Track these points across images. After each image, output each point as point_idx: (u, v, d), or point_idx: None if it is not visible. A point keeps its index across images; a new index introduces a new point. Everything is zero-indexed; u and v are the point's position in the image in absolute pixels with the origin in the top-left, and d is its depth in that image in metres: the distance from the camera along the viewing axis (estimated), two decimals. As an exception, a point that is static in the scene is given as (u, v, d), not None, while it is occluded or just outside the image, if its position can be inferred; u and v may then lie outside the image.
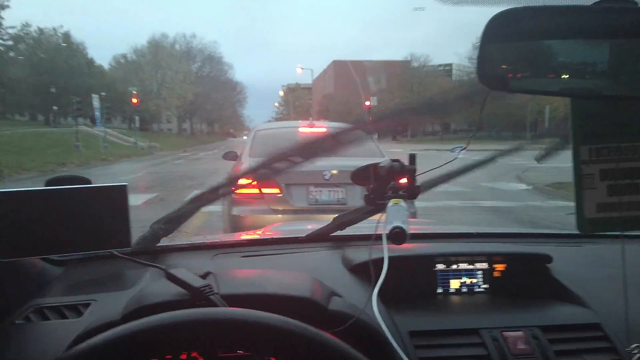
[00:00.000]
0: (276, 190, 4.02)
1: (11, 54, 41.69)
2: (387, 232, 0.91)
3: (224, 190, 1.30)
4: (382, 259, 0.93)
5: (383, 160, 1.02)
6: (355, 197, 3.99)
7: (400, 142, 43.77)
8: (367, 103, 34.93)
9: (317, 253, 1.40)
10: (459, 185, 10.04)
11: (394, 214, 0.93)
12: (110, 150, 26.48)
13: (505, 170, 14.13)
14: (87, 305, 1.07)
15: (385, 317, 0.95)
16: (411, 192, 0.98)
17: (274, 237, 1.57)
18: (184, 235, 6.11)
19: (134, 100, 32.65)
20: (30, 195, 0.95)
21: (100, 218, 1.00)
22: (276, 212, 4.00)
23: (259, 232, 1.91)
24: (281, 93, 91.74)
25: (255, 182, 3.66)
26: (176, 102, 56.77)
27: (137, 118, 40.74)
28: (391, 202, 0.95)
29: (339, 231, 1.43)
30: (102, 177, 12.44)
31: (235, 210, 4.09)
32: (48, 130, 32.68)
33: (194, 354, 0.96)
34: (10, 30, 40.26)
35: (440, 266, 1.25)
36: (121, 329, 0.62)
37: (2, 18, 37.92)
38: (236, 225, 4.06)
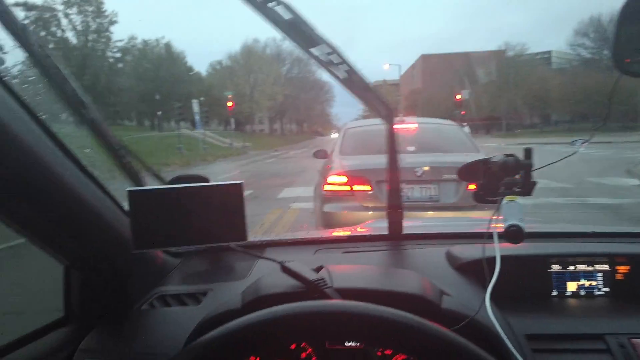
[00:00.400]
0: (367, 188, 3.94)
1: (120, 65, 45.65)
2: (503, 230, 0.89)
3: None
4: (493, 258, 0.90)
5: (495, 155, 0.98)
6: (448, 194, 3.90)
7: (495, 137, 41.43)
8: (458, 97, 33.59)
9: (419, 250, 1.37)
10: (562, 181, 9.29)
11: (509, 211, 0.91)
12: (209, 151, 28.27)
13: (614, 164, 12.83)
14: (204, 293, 1.15)
15: (500, 319, 0.92)
16: (527, 188, 0.94)
17: (373, 233, 1.57)
18: (280, 231, 6.34)
19: (229, 104, 34.53)
20: (160, 193, 1.03)
21: (219, 213, 1.06)
22: (367, 209, 3.91)
23: (358, 228, 1.94)
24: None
25: (349, 180, 3.92)
26: (267, 104, 59.04)
27: (232, 120, 43.09)
28: (506, 199, 0.93)
29: (438, 228, 1.43)
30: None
31: (327, 207, 4.08)
32: (153, 134, 35.68)
33: (303, 344, 1.00)
34: (118, 44, 44.28)
35: (555, 267, 1.18)
36: (247, 318, 0.66)
37: (111, 32, 41.87)
38: (328, 222, 4.04)
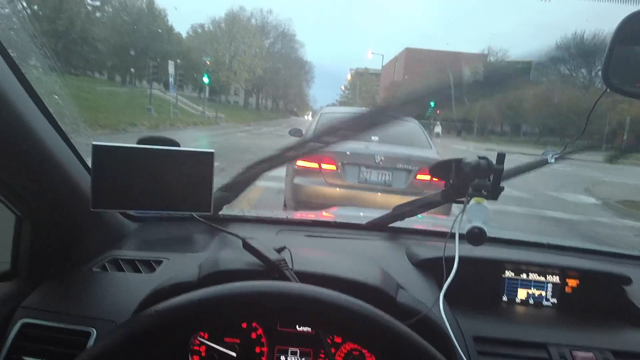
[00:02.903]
0: (333, 167, 4.62)
1: (97, 14, 43.50)
2: (465, 230, 0.90)
3: (284, 157, 1.32)
4: (450, 258, 0.91)
5: (468, 156, 0.98)
6: (400, 180, 4.61)
7: (466, 140, 42.29)
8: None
9: (380, 242, 1.38)
10: (521, 190, 9.59)
11: (475, 213, 0.92)
12: (179, 117, 27.63)
13: (575, 181, 13.33)
14: (159, 262, 1.11)
15: (450, 319, 0.94)
16: (495, 192, 0.95)
17: (337, 220, 1.58)
18: (243, 208, 6.34)
19: (206, 77, 33.17)
20: (128, 151, 0.98)
21: (186, 181, 1.03)
22: (331, 185, 4.60)
23: (323, 214, 1.93)
24: (348, 77, 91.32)
25: (318, 161, 4.62)
26: (245, 76, 58.10)
27: (207, 88, 42.11)
28: (473, 201, 0.94)
29: (400, 223, 1.43)
30: (169, 141, 12.88)
31: (297, 180, 4.71)
32: (123, 90, 34.50)
33: (254, 324, 1.00)
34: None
35: (509, 273, 1.21)
36: (203, 292, 0.65)
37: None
38: (296, 193, 4.69)
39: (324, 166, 4.64)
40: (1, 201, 0.95)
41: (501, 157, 0.96)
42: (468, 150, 25.68)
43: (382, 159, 4.59)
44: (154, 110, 25.45)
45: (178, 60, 36.35)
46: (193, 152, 1.03)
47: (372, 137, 4.88)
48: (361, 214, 1.83)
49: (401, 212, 1.37)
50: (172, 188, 1.02)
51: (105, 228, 1.20)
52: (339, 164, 4.62)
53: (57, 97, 1.10)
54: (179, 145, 1.05)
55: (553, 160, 1.15)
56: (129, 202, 1.02)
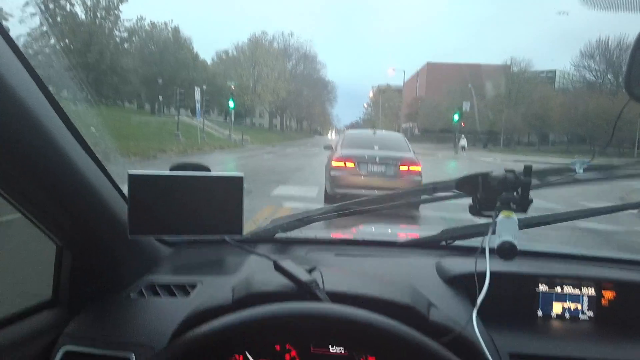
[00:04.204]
0: (352, 164, 7.84)
1: (125, 45, 44.88)
2: (496, 245, 0.89)
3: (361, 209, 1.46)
4: (482, 273, 0.90)
5: (495, 170, 0.99)
6: (389, 171, 7.78)
7: (492, 151, 41.59)
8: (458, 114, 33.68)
9: (410, 259, 1.37)
10: (553, 201, 9.33)
11: (504, 227, 0.91)
12: (206, 141, 28.25)
13: (607, 190, 12.87)
14: (193, 286, 1.14)
15: (485, 336, 0.92)
16: (523, 205, 0.94)
17: (366, 238, 1.59)
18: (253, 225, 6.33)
19: (231, 101, 33.76)
20: (162, 179, 1.01)
21: (217, 205, 1.05)
22: (351, 174, 7.79)
23: (352, 231, 1.95)
24: (370, 94, 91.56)
25: (344, 161, 7.87)
26: (269, 98, 58.95)
27: (232, 112, 42.96)
28: (502, 215, 0.93)
29: (429, 238, 1.44)
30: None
31: (332, 172, 7.91)
32: (152, 118, 35.49)
33: (287, 346, 0.99)
34: (126, 23, 43.56)
35: (543, 287, 1.18)
36: (238, 316, 0.66)
37: (120, 11, 41.16)
38: (332, 180, 7.85)
39: (347, 164, 7.87)
40: (42, 231, 0.97)
41: (528, 170, 0.95)
42: (495, 162, 25.22)
43: (380, 158, 7.86)
44: (182, 135, 26.04)
45: (204, 87, 37.17)
46: (223, 177, 1.05)
47: (375, 147, 8.36)
48: (389, 230, 1.82)
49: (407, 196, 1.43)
50: (204, 212, 1.04)
51: (141, 254, 1.23)
52: (356, 162, 7.84)
53: (93, 129, 1.14)
54: (209, 170, 1.07)
55: (582, 171, 1.13)
56: (164, 227, 1.04)
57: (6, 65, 0.73)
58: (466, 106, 35.87)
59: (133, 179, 0.98)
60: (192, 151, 22.15)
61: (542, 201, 9.27)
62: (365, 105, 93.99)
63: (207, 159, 18.83)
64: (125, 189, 1.02)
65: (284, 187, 10.19)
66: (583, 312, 1.17)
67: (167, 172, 1.03)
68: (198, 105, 30.19)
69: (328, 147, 10.08)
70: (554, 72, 66.44)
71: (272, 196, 8.89)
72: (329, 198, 8.01)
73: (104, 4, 39.55)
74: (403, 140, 9.27)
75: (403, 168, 7.81)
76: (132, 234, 1.00)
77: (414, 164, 7.88)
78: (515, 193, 0.95)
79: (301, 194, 9.53)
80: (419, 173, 7.83)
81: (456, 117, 33.20)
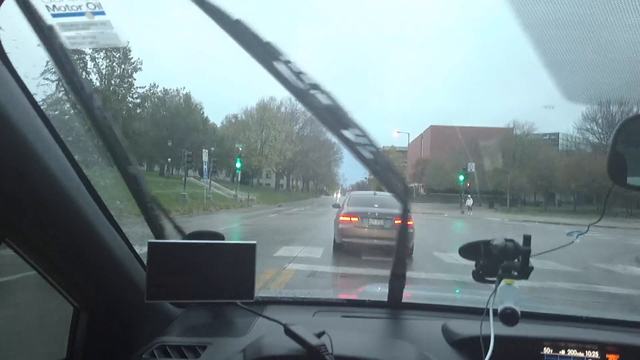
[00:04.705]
0: (356, 219, 9.56)
1: (138, 110, 46.30)
2: (499, 311, 0.94)
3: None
4: (487, 337, 0.94)
5: (496, 239, 1.04)
6: (386, 224, 9.40)
7: (498, 211, 41.33)
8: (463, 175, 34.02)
9: (415, 321, 1.40)
10: (568, 264, 9.08)
11: (506, 294, 0.97)
12: (212, 201, 28.32)
13: (621, 251, 12.61)
14: (203, 347, 1.16)
15: None
16: (524, 273, 0.99)
17: (372, 299, 1.62)
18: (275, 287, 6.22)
19: (238, 163, 34.38)
20: (179, 247, 1.05)
21: (230, 270, 1.09)
22: (355, 227, 9.51)
23: (358, 290, 2.02)
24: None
25: (350, 216, 9.58)
26: (276, 160, 59.98)
27: (239, 173, 43.53)
28: (504, 282, 0.98)
29: (434, 300, 1.48)
30: (200, 227, 13.04)
31: (340, 225, 9.71)
32: (161, 179, 35.96)
33: None
34: (139, 90, 45.06)
35: (547, 350, 1.21)
36: None
37: (134, 79, 42.82)
38: (340, 231, 9.65)
39: (352, 219, 9.64)
40: (60, 293, 1.01)
41: (527, 239, 1.00)
42: (503, 222, 24.99)
43: (379, 214, 9.57)
44: (189, 196, 26.21)
45: (212, 149, 37.95)
46: (237, 245, 1.11)
47: (375, 205, 9.96)
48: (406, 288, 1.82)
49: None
50: (218, 278, 1.09)
51: (154, 316, 1.27)
52: (359, 217, 9.60)
53: (119, 202, 1.22)
54: (223, 238, 1.13)
55: (578, 240, 1.19)
56: (180, 292, 1.08)
57: (33, 128, 0.77)
58: (471, 167, 36.10)
59: (152, 247, 1.03)
60: (197, 211, 22.21)
61: (555, 263, 9.11)
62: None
63: (212, 219, 18.79)
64: (138, 250, 1.08)
65: (287, 248, 10.05)
66: None
67: (184, 241, 1.08)
68: (205, 167, 30.71)
69: (336, 206, 12.33)
70: (557, 134, 67.57)
71: (275, 257, 8.79)
72: (337, 246, 9.93)
73: (118, 72, 41.26)
74: (394, 199, 11.08)
75: (397, 222, 8.26)
76: (149, 299, 1.06)
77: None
78: (516, 260, 1.00)
79: (305, 254, 9.45)
80: (411, 227, 8.45)
81: (461, 177, 33.49)
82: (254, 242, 1.10)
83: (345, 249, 9.51)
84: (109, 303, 1.08)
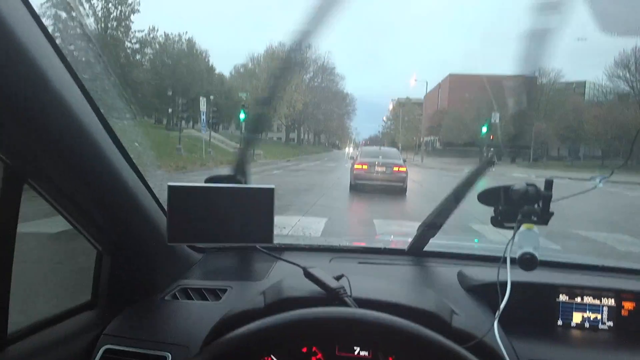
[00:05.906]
0: (365, 166, 13.45)
1: (137, 57, 43.57)
2: (517, 256, 0.93)
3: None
4: (504, 282, 0.94)
5: (517, 183, 1.02)
6: (388, 170, 13.38)
7: (520, 166, 38.83)
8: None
9: (433, 268, 1.44)
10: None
11: (525, 239, 0.94)
12: (212, 156, 26.33)
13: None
14: (224, 290, 1.22)
15: (506, 343, 0.97)
16: (544, 218, 0.97)
17: (387, 247, 1.65)
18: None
19: (242, 113, 32.10)
20: (198, 190, 1.03)
21: (250, 214, 1.07)
22: (365, 172, 13.37)
23: (375, 238, 2.33)
24: (390, 107, 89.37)
25: (362, 164, 13.63)
26: (285, 111, 57.42)
27: (242, 125, 41.12)
28: (523, 227, 0.96)
29: (450, 248, 1.58)
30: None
31: (355, 171, 13.54)
32: (161, 132, 33.80)
33: (314, 348, 1.04)
34: (138, 34, 42.15)
35: (563, 297, 1.22)
36: (274, 319, 0.73)
37: (132, 21, 39.87)
38: (354, 177, 13.50)
39: (363, 166, 13.31)
40: (84, 236, 1.05)
41: (549, 184, 0.98)
42: (530, 178, 22.59)
43: (382, 163, 13.30)
44: (187, 149, 24.33)
45: (211, 97, 35.48)
46: (256, 189, 1.08)
47: (379, 157, 13.63)
48: (409, 239, 1.68)
49: (430, 223, 1.39)
50: (238, 221, 1.07)
51: (175, 260, 1.32)
52: (368, 165, 13.28)
53: (137, 143, 1.22)
54: (241, 182, 1.14)
55: (601, 185, 1.13)
56: (200, 235, 1.08)
57: (62, 80, 0.80)
58: (495, 117, 33.28)
59: (172, 190, 1.02)
60: (192, 167, 20.03)
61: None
62: (385, 119, 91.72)
63: (203, 177, 16.63)
64: (160, 199, 1.11)
65: (277, 219, 7.67)
66: (603, 322, 1.20)
67: (204, 184, 1.07)
68: (204, 117, 28.19)
69: (352, 157, 16.90)
70: (584, 83, 63.53)
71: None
72: (352, 187, 13.34)
73: (115, 14, 38.38)
74: (397, 153, 15.36)
75: (395, 169, 13.24)
76: (170, 241, 1.04)
77: (402, 167, 13.27)
78: (536, 205, 0.98)
79: (300, 229, 6.85)
80: (405, 172, 13.24)
81: (484, 129, 30.97)
82: (273, 186, 1.05)
83: (360, 189, 12.87)
84: (132, 246, 1.12)
